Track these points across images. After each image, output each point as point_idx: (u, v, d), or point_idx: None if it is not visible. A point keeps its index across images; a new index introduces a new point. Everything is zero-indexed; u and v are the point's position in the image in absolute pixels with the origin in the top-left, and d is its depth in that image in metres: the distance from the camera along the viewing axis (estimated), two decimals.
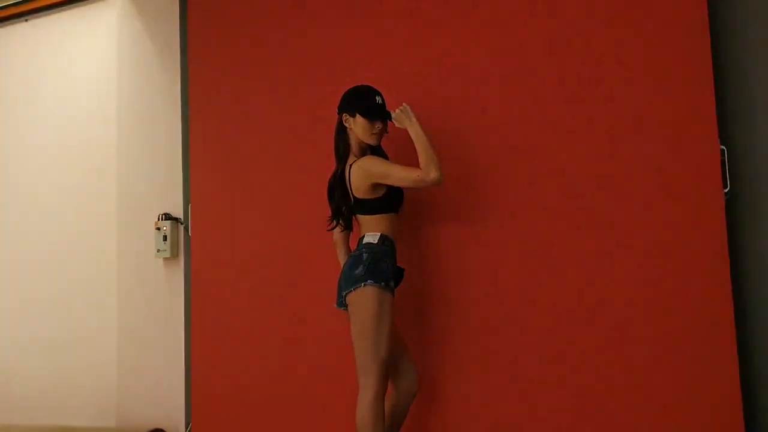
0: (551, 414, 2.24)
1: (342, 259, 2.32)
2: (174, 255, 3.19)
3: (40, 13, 3.81)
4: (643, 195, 2.19)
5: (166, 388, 3.16)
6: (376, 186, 2.14)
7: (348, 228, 2.30)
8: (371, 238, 2.15)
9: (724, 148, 2.14)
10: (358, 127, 2.19)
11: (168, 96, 3.28)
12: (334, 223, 2.27)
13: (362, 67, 2.56)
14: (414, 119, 2.13)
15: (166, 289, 3.21)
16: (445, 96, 2.45)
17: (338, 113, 2.24)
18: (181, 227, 3.19)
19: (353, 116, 2.19)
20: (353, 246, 2.27)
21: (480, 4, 2.44)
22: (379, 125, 2.18)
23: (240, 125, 2.87)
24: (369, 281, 2.07)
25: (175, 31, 3.28)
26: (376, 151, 2.25)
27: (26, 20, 3.86)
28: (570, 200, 2.28)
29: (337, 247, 2.36)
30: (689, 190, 2.14)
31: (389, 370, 2.13)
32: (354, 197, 2.18)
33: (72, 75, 3.71)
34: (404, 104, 2.17)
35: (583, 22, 2.30)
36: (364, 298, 2.07)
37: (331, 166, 2.26)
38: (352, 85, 2.24)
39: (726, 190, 2.13)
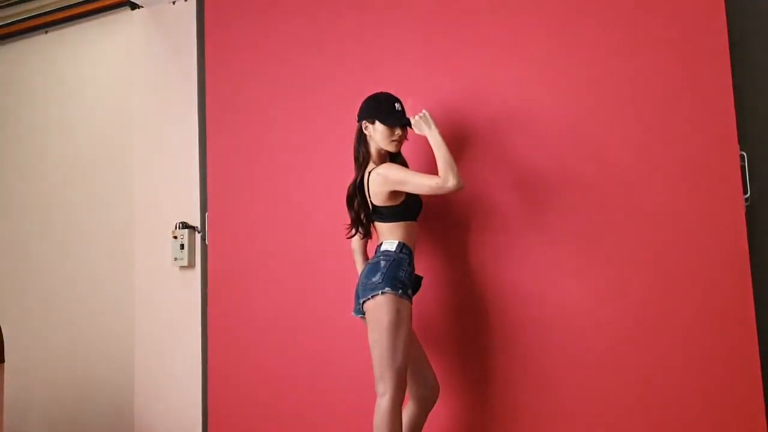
0: (571, 419, 2.22)
1: (360, 266, 2.33)
2: (191, 264, 3.21)
3: (60, 25, 3.86)
4: (663, 201, 2.18)
5: (183, 396, 3.16)
6: (394, 193, 2.13)
7: (366, 235, 2.28)
8: (389, 245, 2.15)
9: (744, 153, 2.12)
10: (377, 134, 2.19)
11: (185, 105, 3.30)
12: (353, 230, 2.26)
13: (381, 74, 2.56)
14: (433, 126, 2.13)
15: (183, 298, 3.22)
16: (464, 102, 2.45)
17: (358, 120, 2.24)
18: (198, 236, 3.20)
19: (373, 123, 2.19)
20: (371, 254, 2.27)
21: (496, 11, 2.45)
22: (398, 132, 2.18)
23: (257, 134, 2.88)
24: (386, 289, 2.05)
25: (192, 40, 3.31)
26: (395, 158, 2.25)
27: (46, 32, 3.92)
28: (590, 206, 2.26)
29: (354, 255, 2.36)
30: (709, 195, 2.12)
31: (407, 379, 2.12)
32: (372, 204, 2.18)
33: (90, 85, 3.75)
34: (424, 111, 2.16)
35: (600, 28, 2.30)
36: (382, 305, 2.05)
37: (350, 173, 2.26)
38: (371, 92, 2.24)
39: (746, 196, 2.12)
